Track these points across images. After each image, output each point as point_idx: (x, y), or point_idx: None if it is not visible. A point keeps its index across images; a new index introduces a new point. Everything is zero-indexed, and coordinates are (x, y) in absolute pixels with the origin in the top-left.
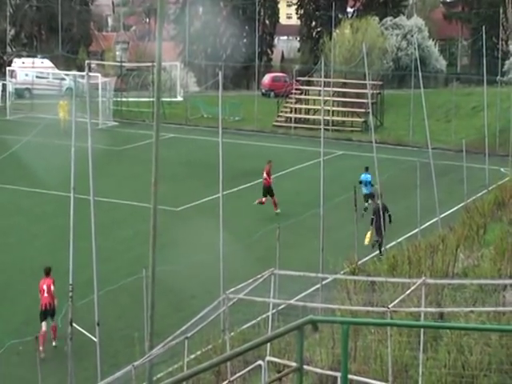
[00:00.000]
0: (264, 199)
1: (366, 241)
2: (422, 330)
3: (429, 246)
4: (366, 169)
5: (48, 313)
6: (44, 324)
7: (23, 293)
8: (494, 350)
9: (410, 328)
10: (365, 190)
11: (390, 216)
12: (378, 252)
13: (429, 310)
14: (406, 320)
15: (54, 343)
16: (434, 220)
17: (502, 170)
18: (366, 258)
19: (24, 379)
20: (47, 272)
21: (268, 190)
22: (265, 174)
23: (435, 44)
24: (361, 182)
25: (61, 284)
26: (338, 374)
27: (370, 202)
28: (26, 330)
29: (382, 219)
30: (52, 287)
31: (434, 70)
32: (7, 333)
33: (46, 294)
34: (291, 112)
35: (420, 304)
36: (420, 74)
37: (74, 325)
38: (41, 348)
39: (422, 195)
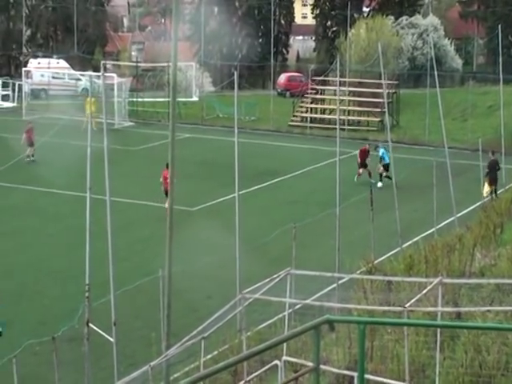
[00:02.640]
0: (361, 170)
1: (484, 193)
2: (438, 329)
3: (445, 245)
4: (377, 146)
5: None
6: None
7: (39, 293)
8: (511, 350)
9: (426, 328)
10: (387, 160)
11: (499, 168)
12: (494, 195)
13: (446, 309)
14: (423, 320)
15: None
16: (451, 219)
17: None
18: (383, 258)
19: (41, 379)
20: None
21: (362, 164)
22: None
23: (451, 43)
24: (381, 157)
25: (77, 284)
26: (355, 374)
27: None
28: (42, 330)
29: (495, 171)
30: None
31: (449, 69)
32: (24, 333)
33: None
34: (307, 112)
35: (437, 303)
36: (436, 73)
37: (91, 325)
38: None
39: (438, 194)
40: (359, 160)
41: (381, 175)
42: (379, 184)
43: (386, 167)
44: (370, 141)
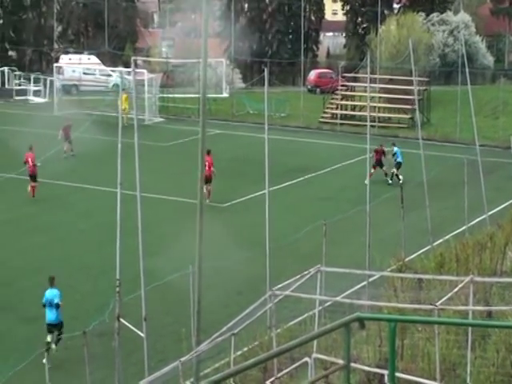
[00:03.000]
0: (372, 171)
1: None
2: (469, 328)
3: (477, 243)
4: (394, 144)
5: None
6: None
7: (71, 288)
8: None
9: (457, 326)
10: (399, 159)
11: None
12: None
13: (477, 308)
14: (454, 318)
15: None
16: (482, 217)
17: None
18: (413, 256)
19: (72, 373)
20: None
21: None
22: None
23: (482, 40)
24: (394, 154)
25: (108, 279)
26: (386, 372)
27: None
28: (74, 324)
29: None
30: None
31: (481, 67)
32: None
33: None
34: (337, 108)
35: (468, 302)
36: (467, 70)
37: (122, 320)
38: None
39: (469, 192)
40: (375, 160)
41: (392, 174)
42: (389, 181)
43: (398, 166)
44: (400, 138)
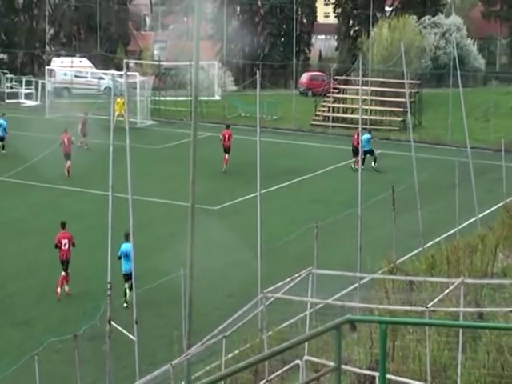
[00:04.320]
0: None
1: None
2: (460, 330)
3: (468, 245)
4: (369, 131)
5: None
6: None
7: (62, 291)
8: None
9: (448, 328)
10: (365, 147)
11: None
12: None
13: (468, 309)
14: (445, 320)
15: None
16: (473, 219)
17: None
18: (405, 258)
19: (63, 377)
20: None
21: (355, 150)
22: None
23: (474, 43)
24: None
25: (99, 282)
26: (377, 374)
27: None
28: (64, 328)
29: None
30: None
31: (472, 69)
32: (46, 331)
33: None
34: (329, 111)
35: (459, 304)
36: (459, 72)
37: (113, 323)
38: None
39: (460, 195)
40: (355, 145)
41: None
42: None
43: (369, 153)
44: (392, 140)
